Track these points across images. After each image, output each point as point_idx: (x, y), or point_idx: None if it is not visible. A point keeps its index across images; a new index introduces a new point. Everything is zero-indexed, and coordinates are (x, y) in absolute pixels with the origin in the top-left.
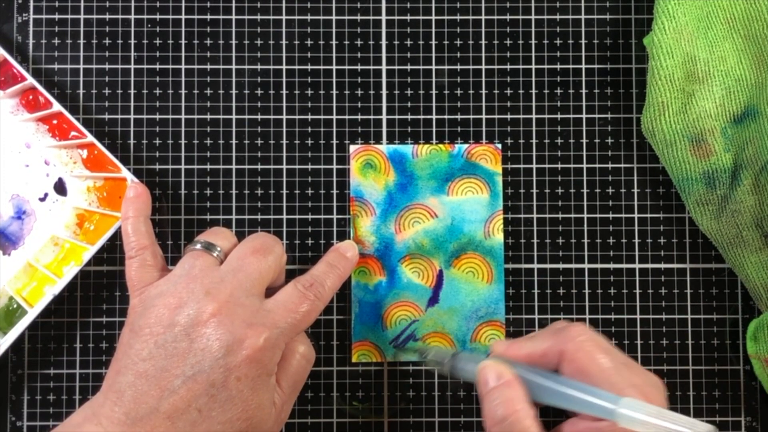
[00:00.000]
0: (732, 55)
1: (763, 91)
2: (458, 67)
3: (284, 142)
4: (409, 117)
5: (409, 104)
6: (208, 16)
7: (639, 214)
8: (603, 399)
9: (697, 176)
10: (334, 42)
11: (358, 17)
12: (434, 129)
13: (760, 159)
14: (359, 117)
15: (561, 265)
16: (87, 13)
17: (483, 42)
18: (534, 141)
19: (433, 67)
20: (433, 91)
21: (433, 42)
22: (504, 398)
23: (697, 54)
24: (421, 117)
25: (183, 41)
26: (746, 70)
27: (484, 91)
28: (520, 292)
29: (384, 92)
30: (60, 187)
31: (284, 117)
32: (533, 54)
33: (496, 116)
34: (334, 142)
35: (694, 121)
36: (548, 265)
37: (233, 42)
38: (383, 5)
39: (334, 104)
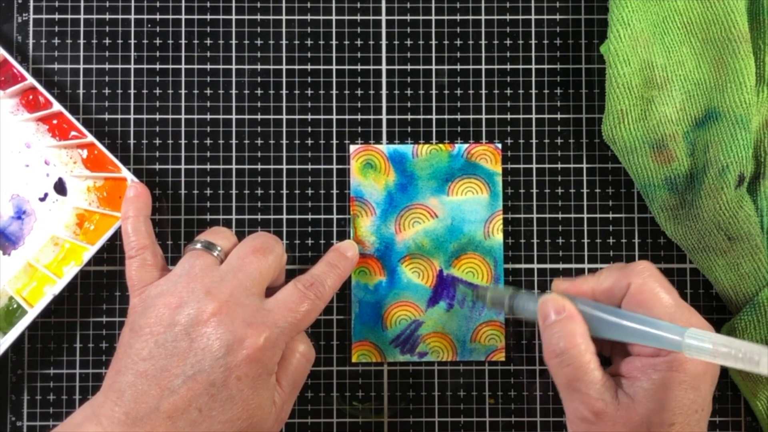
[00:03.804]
0: (690, 59)
1: (723, 94)
2: (458, 67)
3: (284, 142)
4: (409, 117)
5: (409, 104)
6: (208, 16)
7: (639, 214)
8: (669, 331)
9: (659, 182)
10: (334, 42)
11: (358, 17)
12: (434, 129)
13: (720, 161)
14: (359, 117)
15: (561, 265)
16: (87, 13)
17: (483, 42)
18: (534, 141)
19: (433, 67)
20: (433, 91)
21: (433, 42)
22: (565, 331)
23: (654, 60)
24: (421, 117)
25: (183, 41)
26: (705, 73)
27: (484, 91)
28: None
29: (384, 92)
30: (60, 187)
31: (284, 117)
32: (533, 54)
33: (496, 116)
34: (334, 142)
35: (654, 126)
36: (548, 265)
37: (233, 42)
38: (383, 5)
39: (334, 104)
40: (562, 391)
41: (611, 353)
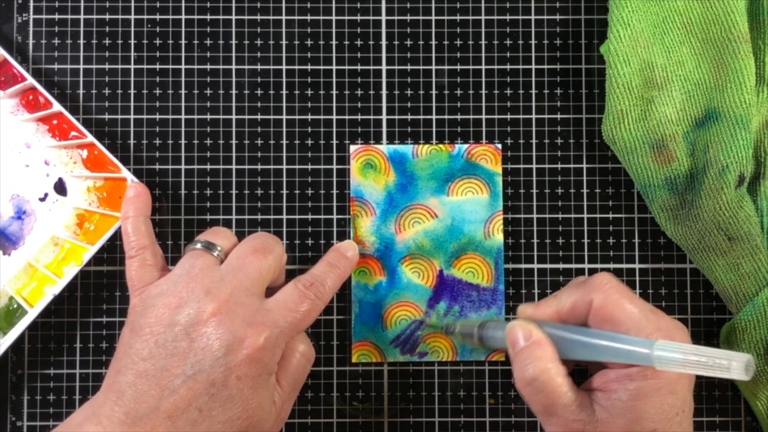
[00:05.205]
0: (690, 59)
1: (723, 94)
2: (458, 67)
3: (284, 142)
4: (409, 117)
5: (409, 104)
6: (208, 16)
7: (639, 214)
8: (637, 345)
9: (659, 182)
10: (334, 42)
11: (358, 17)
12: (434, 129)
13: (720, 161)
14: (359, 117)
15: (561, 265)
16: (87, 13)
17: (483, 42)
18: (534, 141)
19: (433, 67)
20: (433, 91)
21: (433, 42)
22: (534, 357)
23: (654, 60)
24: (421, 117)
25: (183, 41)
26: (705, 73)
27: (484, 91)
28: (520, 292)
29: (384, 92)
30: (60, 187)
31: (284, 117)
32: (533, 54)
33: (496, 116)
34: (334, 142)
35: (654, 127)
36: (548, 265)
37: (233, 42)
38: (383, 5)
39: (334, 104)
40: (540, 417)
41: (588, 364)
